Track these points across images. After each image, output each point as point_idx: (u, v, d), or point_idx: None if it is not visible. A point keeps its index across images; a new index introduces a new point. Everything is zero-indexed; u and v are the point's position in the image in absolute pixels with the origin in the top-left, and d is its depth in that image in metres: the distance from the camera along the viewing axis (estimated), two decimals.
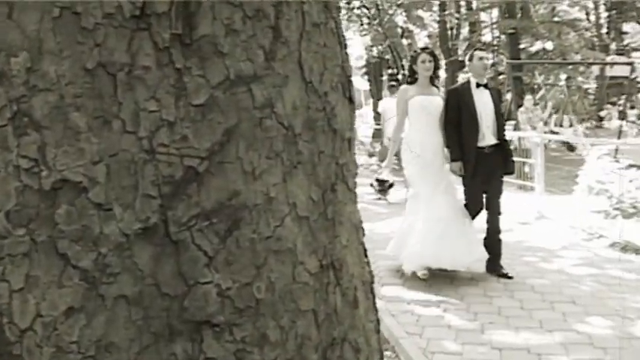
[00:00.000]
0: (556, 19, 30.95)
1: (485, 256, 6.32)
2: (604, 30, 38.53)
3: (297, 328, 1.41)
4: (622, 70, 19.26)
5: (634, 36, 45.01)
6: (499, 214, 6.28)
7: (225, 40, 1.31)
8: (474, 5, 27.91)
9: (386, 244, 6.66)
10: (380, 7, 22.73)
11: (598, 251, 7.18)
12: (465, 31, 25.88)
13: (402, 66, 20.74)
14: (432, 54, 6.38)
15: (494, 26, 28.10)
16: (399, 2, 22.63)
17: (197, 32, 1.28)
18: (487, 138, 6.18)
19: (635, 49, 44.38)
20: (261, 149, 1.37)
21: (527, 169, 11.48)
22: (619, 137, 15.89)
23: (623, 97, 19.92)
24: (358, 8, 23.90)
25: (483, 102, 6.22)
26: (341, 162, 1.60)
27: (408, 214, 6.57)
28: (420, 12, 25.65)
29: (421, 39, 30.89)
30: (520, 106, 16.00)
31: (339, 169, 1.59)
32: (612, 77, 22.39)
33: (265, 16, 1.38)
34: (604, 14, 39.75)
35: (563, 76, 25.09)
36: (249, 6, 1.34)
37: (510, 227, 8.33)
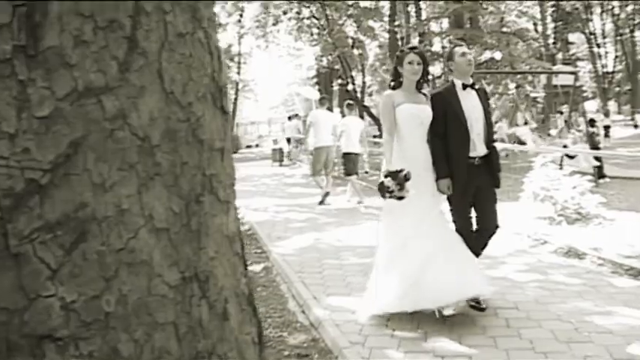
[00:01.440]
0: (505, 29, 31.49)
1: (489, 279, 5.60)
2: (551, 40, 39.49)
3: (153, 342, 1.38)
4: (567, 79, 19.74)
5: (579, 46, 46.35)
6: (495, 232, 5.46)
7: (74, 51, 1.29)
8: (424, 15, 28.29)
9: (333, 254, 6.63)
10: (329, 18, 22.86)
11: (542, 257, 7.23)
12: (415, 41, 26.09)
13: (352, 76, 20.87)
14: (422, 55, 5.24)
15: (444, 36, 28.50)
16: (348, 12, 22.79)
17: (43, 44, 1.26)
18: (478, 147, 5.29)
19: (580, 59, 45.73)
20: (113, 161, 1.34)
21: None
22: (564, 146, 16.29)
23: (568, 105, 20.37)
24: (308, 18, 24.02)
25: (472, 105, 5.32)
26: (209, 173, 1.57)
27: (390, 254, 5.17)
28: (370, 22, 25.89)
29: (372, 49, 31.26)
30: None
31: (206, 180, 1.56)
32: (559, 86, 22.84)
33: (120, 27, 1.35)
34: (551, 25, 40.76)
35: (512, 85, 25.57)
36: (101, 17, 1.32)
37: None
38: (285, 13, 26.52)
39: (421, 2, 28.08)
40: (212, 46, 1.63)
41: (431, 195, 5.22)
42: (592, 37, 46.03)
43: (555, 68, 26.69)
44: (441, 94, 5.42)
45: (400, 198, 4.85)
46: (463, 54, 5.38)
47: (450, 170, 5.20)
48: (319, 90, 27.96)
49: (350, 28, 25.07)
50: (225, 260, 1.63)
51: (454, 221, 5.44)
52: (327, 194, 11.69)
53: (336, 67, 25.51)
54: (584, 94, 42.22)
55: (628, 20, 46.03)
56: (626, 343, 4.39)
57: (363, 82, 33.28)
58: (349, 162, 11.63)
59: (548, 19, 40.38)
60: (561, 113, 20.92)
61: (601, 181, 14.51)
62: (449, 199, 5.37)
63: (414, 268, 4.90)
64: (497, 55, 25.39)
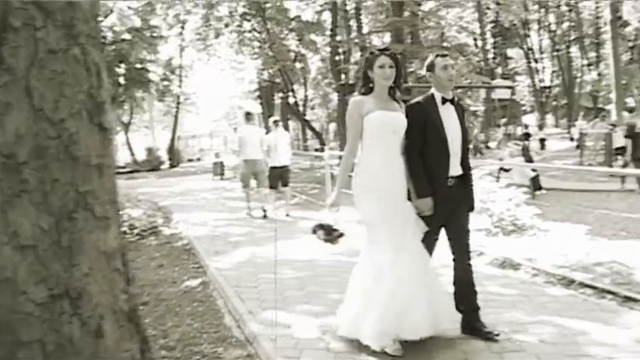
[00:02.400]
0: (445, 44, 32.02)
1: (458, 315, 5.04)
2: (490, 55, 40.42)
3: None
4: (504, 93, 20.17)
5: (518, 61, 47.68)
6: (469, 258, 5.01)
7: None
8: (365, 29, 28.51)
9: (270, 268, 6.49)
10: (271, 31, 22.84)
11: (479, 268, 7.22)
12: (357, 55, 26.25)
13: (293, 90, 20.87)
14: (394, 57, 4.70)
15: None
16: (290, 26, 22.82)
17: None
18: (454, 167, 4.82)
19: (519, 74, 47.02)
20: None
21: None
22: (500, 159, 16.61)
23: (506, 119, 20.82)
24: (249, 32, 23.98)
25: (451, 122, 4.85)
26: (83, 189, 1.51)
27: (362, 274, 4.79)
28: (312, 36, 25.97)
29: (314, 62, 31.40)
30: None
31: (80, 197, 1.50)
32: (497, 100, 23.35)
33: None
34: (490, 40, 41.74)
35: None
36: None
37: None
38: (226, 26, 26.43)
39: (362, 16, 28.28)
40: (90, 63, 1.58)
41: (404, 215, 4.69)
42: (530, 52, 47.40)
43: (494, 82, 27.25)
44: (421, 105, 4.90)
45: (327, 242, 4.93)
46: (445, 67, 4.86)
47: (431, 189, 4.72)
48: (261, 103, 27.90)
49: (292, 42, 25.10)
50: (101, 277, 1.57)
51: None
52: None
53: (278, 80, 25.47)
54: (523, 108, 43.34)
55: (564, 36, 47.56)
56: (558, 351, 4.44)
57: (305, 96, 33.37)
58: (273, 175, 12.12)
59: (488, 34, 41.32)
60: (499, 126, 21.34)
61: (537, 192, 14.81)
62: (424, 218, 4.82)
63: (391, 300, 4.49)
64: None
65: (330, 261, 7.39)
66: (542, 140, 30.56)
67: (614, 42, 28.35)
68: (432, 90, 4.92)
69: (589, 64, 48.36)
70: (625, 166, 15.79)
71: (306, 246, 7.76)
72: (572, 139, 27.08)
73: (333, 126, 33.10)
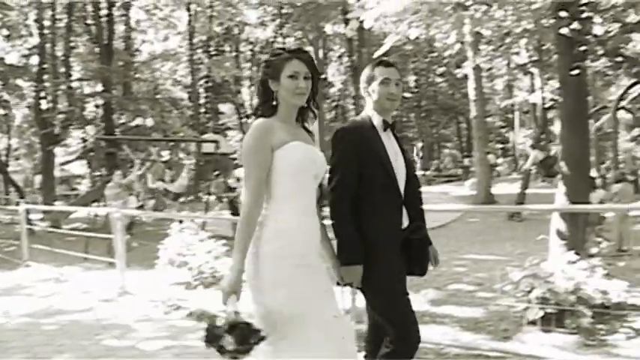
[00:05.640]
0: (158, 96, 32.06)
1: None
2: (203, 110, 41.42)
3: None
4: (211, 147, 20.78)
5: (230, 116, 49.38)
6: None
7: None
8: (75, 76, 27.52)
9: None
10: None
11: (176, 322, 7.30)
12: (64, 103, 25.04)
13: None
14: (311, 64, 3.28)
15: (94, 99, 27.98)
16: None
17: None
18: (404, 218, 3.68)
19: (231, 128, 48.66)
20: None
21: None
22: (206, 210, 17.04)
23: (217, 172, 21.37)
24: None
25: (394, 155, 3.65)
26: None
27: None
28: (19, 81, 24.30)
29: (19, 110, 29.38)
30: (108, 181, 16.08)
31: None
32: (205, 154, 23.92)
33: None
34: (203, 95, 42.81)
35: (165, 152, 25.99)
36: None
37: (91, 305, 8.13)
38: None
39: (73, 62, 27.26)
40: None
41: (326, 279, 3.33)
42: (241, 107, 49.41)
43: (207, 136, 27.90)
44: (356, 132, 3.61)
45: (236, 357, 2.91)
46: (385, 81, 3.65)
47: (364, 253, 3.44)
48: None
49: None
50: None
51: (389, 324, 3.54)
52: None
53: None
54: (236, 162, 44.79)
55: None
56: None
57: (9, 145, 30.98)
58: None
59: (201, 89, 42.33)
60: (210, 180, 21.79)
61: None
62: (371, 290, 3.56)
63: None
64: (150, 122, 25.80)
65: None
66: None
67: (319, 101, 30.87)
68: (368, 111, 3.73)
69: None
70: None
71: None
72: None
73: (39, 178, 31.08)
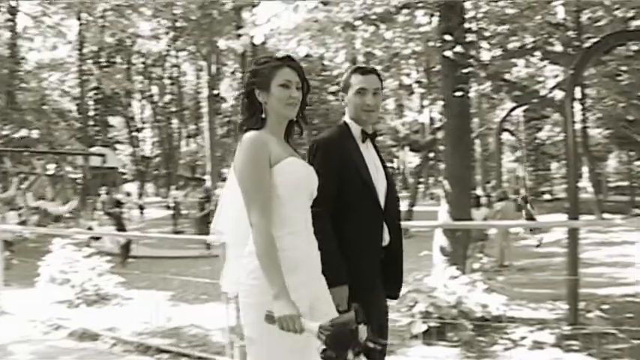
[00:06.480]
0: (45, 107, 30.91)
1: None
2: (92, 122, 40.27)
3: None
4: (98, 161, 20.31)
5: (121, 129, 48.33)
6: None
7: None
8: None
9: None
10: None
11: (55, 343, 7.04)
12: None
13: None
14: (301, 73, 2.97)
15: None
16: None
17: None
18: (385, 234, 3.38)
19: (121, 142, 47.65)
20: None
21: None
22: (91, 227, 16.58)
23: (105, 187, 20.86)
24: None
25: (374, 168, 3.37)
26: None
27: None
28: None
29: None
30: None
31: None
32: (93, 167, 23.33)
33: None
34: (93, 107, 41.64)
35: (51, 166, 25.04)
36: None
37: None
38: None
39: None
40: None
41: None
42: (132, 121, 48.42)
43: (95, 150, 27.16)
44: (334, 144, 3.31)
45: None
46: (361, 91, 3.34)
47: (347, 274, 3.11)
48: None
49: None
50: None
51: None
52: None
53: None
54: (125, 177, 43.76)
55: (165, 108, 49.78)
56: None
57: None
58: None
59: (90, 101, 41.16)
60: (99, 195, 21.22)
61: (129, 260, 15.02)
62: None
63: None
64: (35, 134, 24.82)
65: None
66: (141, 208, 31.39)
67: (210, 116, 30.88)
68: (347, 119, 3.43)
69: (188, 136, 51.32)
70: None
71: None
72: (169, 207, 28.22)
73: None
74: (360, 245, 3.19)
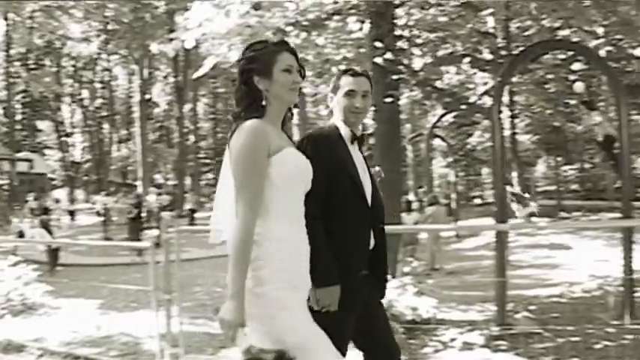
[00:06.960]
0: None
1: None
2: (19, 126, 39.10)
3: None
4: (24, 166, 19.80)
5: (49, 134, 47.10)
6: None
7: None
8: None
9: None
10: None
11: None
12: None
13: None
14: (297, 57, 2.93)
15: None
16: None
17: None
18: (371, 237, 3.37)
19: (50, 147, 46.43)
20: None
21: None
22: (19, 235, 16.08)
23: (33, 193, 20.30)
24: None
25: (362, 169, 3.33)
26: None
27: None
28: None
29: None
30: None
31: None
32: (20, 173, 22.71)
33: None
34: (20, 110, 40.46)
35: None
36: None
37: None
38: None
39: None
40: None
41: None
42: (61, 125, 47.24)
43: (21, 155, 26.43)
44: (325, 141, 3.26)
45: None
46: (350, 93, 3.31)
47: (339, 274, 3.06)
48: None
49: None
50: None
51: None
52: None
53: None
54: (54, 182, 42.68)
55: (96, 112, 48.78)
56: None
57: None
58: None
59: (18, 104, 40.00)
60: (27, 202, 20.66)
61: (58, 269, 14.64)
62: (330, 316, 3.03)
63: None
64: None
65: None
66: (71, 214, 30.64)
67: (142, 121, 30.44)
68: (336, 121, 3.39)
69: (120, 141, 50.40)
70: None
71: None
72: (98, 214, 27.64)
73: None
74: (348, 246, 3.13)
